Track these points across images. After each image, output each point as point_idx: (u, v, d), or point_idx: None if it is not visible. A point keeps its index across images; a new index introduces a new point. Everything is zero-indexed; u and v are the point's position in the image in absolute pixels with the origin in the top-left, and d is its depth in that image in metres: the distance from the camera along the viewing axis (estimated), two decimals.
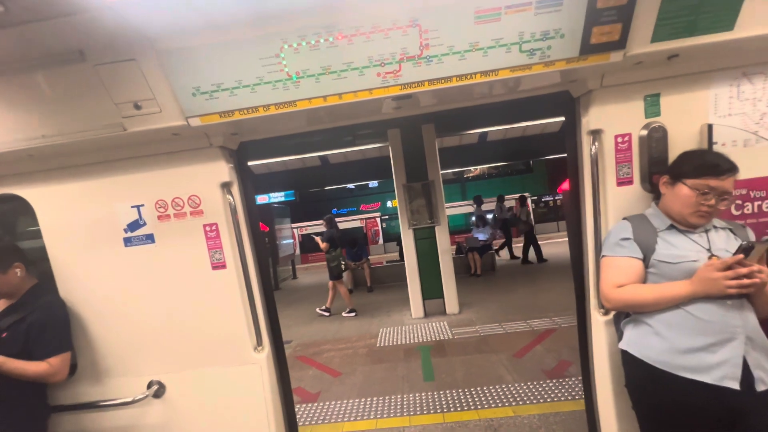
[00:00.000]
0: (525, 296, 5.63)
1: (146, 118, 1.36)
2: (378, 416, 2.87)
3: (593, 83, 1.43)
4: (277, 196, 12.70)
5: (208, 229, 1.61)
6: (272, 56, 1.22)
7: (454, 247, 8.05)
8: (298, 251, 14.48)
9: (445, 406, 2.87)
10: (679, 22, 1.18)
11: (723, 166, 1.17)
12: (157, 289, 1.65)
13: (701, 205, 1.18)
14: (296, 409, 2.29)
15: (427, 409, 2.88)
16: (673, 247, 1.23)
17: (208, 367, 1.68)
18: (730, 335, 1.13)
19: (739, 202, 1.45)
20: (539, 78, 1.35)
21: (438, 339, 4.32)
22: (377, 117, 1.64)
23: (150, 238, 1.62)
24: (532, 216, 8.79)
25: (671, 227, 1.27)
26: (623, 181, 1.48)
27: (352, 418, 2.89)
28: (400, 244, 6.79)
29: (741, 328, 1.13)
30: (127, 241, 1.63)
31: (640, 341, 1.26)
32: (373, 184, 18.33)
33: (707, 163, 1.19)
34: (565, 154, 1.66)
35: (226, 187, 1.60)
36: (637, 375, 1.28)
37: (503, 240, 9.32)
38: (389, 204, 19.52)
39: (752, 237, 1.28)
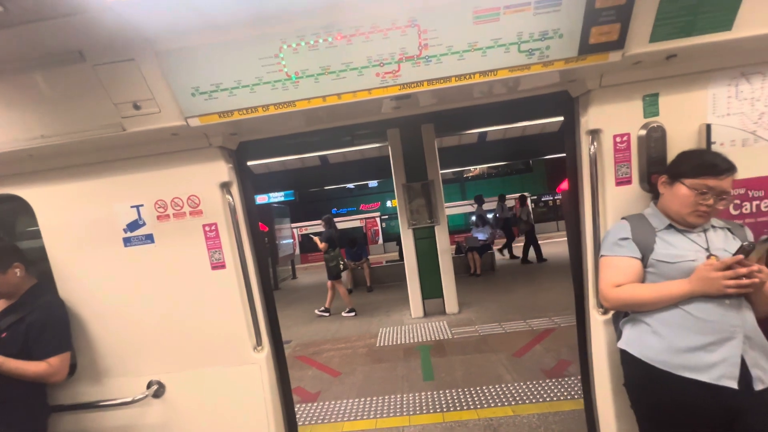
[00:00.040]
0: (524, 296, 5.63)
1: (145, 119, 1.36)
2: (377, 416, 2.87)
3: (592, 83, 1.43)
4: (277, 196, 12.72)
5: (207, 229, 1.61)
6: (271, 56, 1.23)
7: (454, 246, 8.05)
8: (297, 251, 14.50)
9: (444, 406, 2.88)
10: (677, 22, 1.19)
11: (721, 166, 1.17)
12: (157, 289, 1.65)
13: (699, 204, 1.19)
14: (296, 409, 2.29)
15: (427, 408, 2.88)
16: (672, 246, 1.24)
17: (207, 367, 1.68)
18: (729, 334, 1.13)
19: (737, 201, 1.45)
20: (538, 78, 1.35)
21: (437, 339, 4.32)
22: (376, 117, 1.64)
23: (149, 238, 1.63)
24: (532, 215, 8.76)
25: (670, 227, 1.28)
26: (622, 181, 1.48)
27: (351, 418, 2.89)
28: (399, 243, 6.80)
29: (739, 328, 1.13)
30: (127, 241, 1.63)
31: (638, 340, 1.26)
32: (373, 183, 18.36)
33: (705, 163, 1.19)
34: (565, 154, 1.66)
35: (225, 187, 1.60)
36: (636, 374, 1.28)
37: (506, 240, 9.30)
38: (389, 204, 19.52)
39: (750, 236, 1.28)
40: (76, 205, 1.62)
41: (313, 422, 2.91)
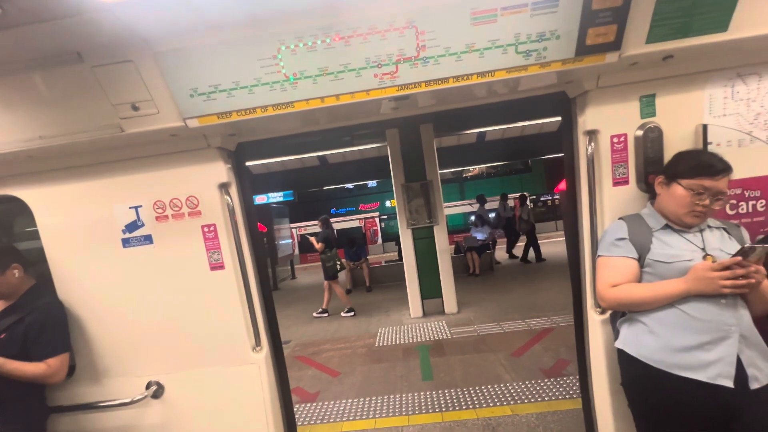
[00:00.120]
0: (523, 295, 5.64)
1: (144, 119, 1.36)
2: (377, 416, 2.87)
3: (589, 84, 1.43)
4: (276, 196, 12.70)
5: (206, 229, 1.62)
6: (269, 57, 1.23)
7: (453, 246, 8.06)
8: (296, 251, 14.49)
9: (443, 406, 2.88)
10: (673, 23, 1.19)
11: (717, 167, 1.18)
12: (156, 290, 1.65)
13: (696, 205, 1.19)
14: (295, 409, 2.29)
15: (426, 408, 2.88)
16: (668, 246, 1.24)
17: (206, 368, 1.68)
18: (725, 334, 1.14)
19: (733, 201, 1.46)
20: (535, 79, 1.36)
21: (436, 338, 4.33)
22: (375, 118, 1.64)
23: (148, 239, 1.63)
24: (531, 215, 8.75)
25: (666, 227, 1.28)
26: (619, 181, 1.49)
27: (350, 418, 2.89)
28: (398, 243, 6.80)
29: (735, 327, 1.14)
30: (125, 242, 1.63)
31: (635, 340, 1.27)
32: (372, 184, 18.33)
33: (702, 164, 1.20)
34: (563, 154, 1.67)
35: (224, 187, 1.60)
36: (633, 373, 1.29)
37: (508, 239, 9.26)
38: (388, 204, 19.52)
39: (746, 236, 1.29)
40: (75, 206, 1.62)
41: (312, 422, 2.91)
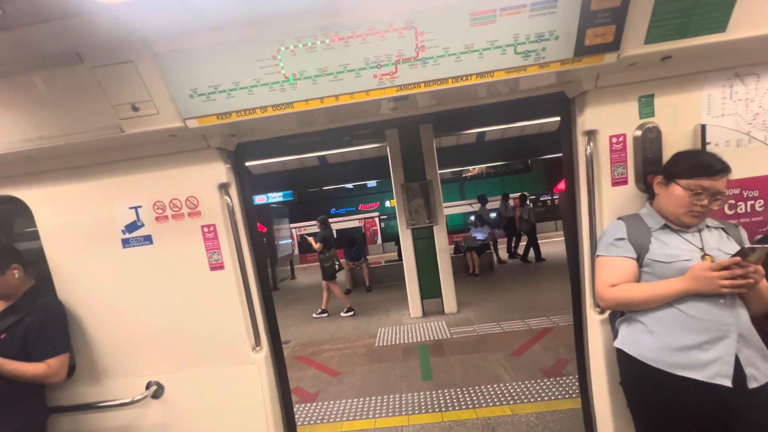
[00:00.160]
0: (523, 295, 5.65)
1: (144, 120, 1.36)
2: (376, 416, 2.88)
3: (588, 84, 1.44)
4: (276, 197, 12.70)
5: (206, 230, 1.62)
6: (269, 58, 1.23)
7: (453, 246, 8.07)
8: (296, 251, 14.49)
9: (443, 405, 2.89)
10: (672, 23, 1.20)
11: (715, 167, 1.18)
12: (156, 290, 1.65)
13: (694, 205, 1.20)
14: (295, 409, 2.30)
15: (426, 408, 2.89)
16: (667, 246, 1.25)
17: (206, 368, 1.68)
18: (723, 333, 1.14)
19: (732, 201, 1.47)
20: (534, 79, 1.36)
21: (436, 338, 4.33)
22: (375, 118, 1.65)
23: (148, 240, 1.63)
24: (532, 215, 8.75)
25: (665, 227, 1.29)
26: (618, 181, 1.49)
27: (350, 418, 2.90)
28: (398, 243, 6.80)
29: (733, 326, 1.14)
30: (125, 243, 1.63)
31: (634, 339, 1.27)
32: (372, 184, 18.34)
33: (700, 164, 1.20)
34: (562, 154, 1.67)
35: (223, 188, 1.61)
36: (632, 373, 1.29)
37: (511, 239, 9.26)
38: (387, 204, 19.52)
39: (744, 236, 1.30)
40: (75, 206, 1.62)
41: (312, 422, 2.92)
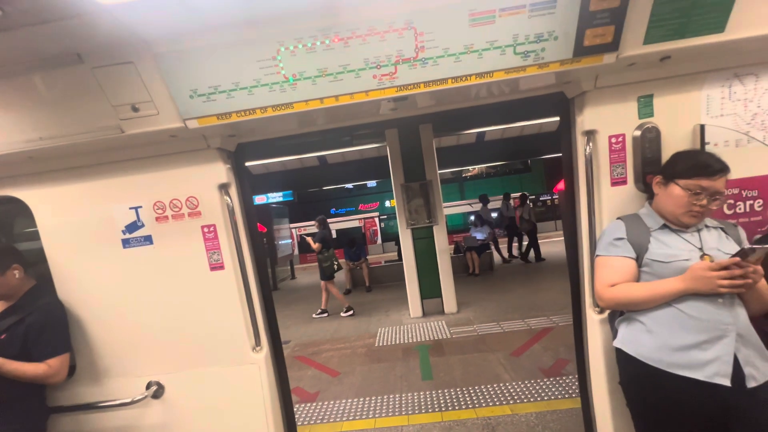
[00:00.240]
0: (523, 295, 5.65)
1: (144, 121, 1.36)
2: (376, 415, 2.88)
3: (587, 84, 1.44)
4: (276, 197, 12.71)
5: (206, 230, 1.62)
6: (269, 59, 1.23)
7: (452, 246, 8.07)
8: (296, 252, 14.49)
9: (443, 405, 2.89)
10: (670, 24, 1.20)
11: (714, 167, 1.18)
12: (156, 291, 1.65)
13: (693, 205, 1.20)
14: (295, 409, 2.30)
15: (426, 408, 2.89)
16: (666, 246, 1.25)
17: (206, 368, 1.69)
18: (722, 332, 1.14)
19: (731, 201, 1.47)
20: (534, 79, 1.37)
21: (436, 338, 4.33)
22: (374, 118, 1.65)
23: (148, 240, 1.63)
24: (532, 214, 8.76)
25: (664, 227, 1.29)
26: (617, 181, 1.50)
27: (350, 418, 2.90)
28: (398, 243, 6.80)
29: (732, 326, 1.14)
30: (126, 243, 1.63)
31: (633, 339, 1.28)
32: (372, 184, 18.35)
33: (699, 164, 1.20)
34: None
35: (223, 188, 1.61)
36: (631, 372, 1.29)
37: (512, 239, 9.26)
38: (387, 204, 19.53)
39: (743, 236, 1.30)
40: (75, 206, 1.62)
41: (312, 422, 2.92)
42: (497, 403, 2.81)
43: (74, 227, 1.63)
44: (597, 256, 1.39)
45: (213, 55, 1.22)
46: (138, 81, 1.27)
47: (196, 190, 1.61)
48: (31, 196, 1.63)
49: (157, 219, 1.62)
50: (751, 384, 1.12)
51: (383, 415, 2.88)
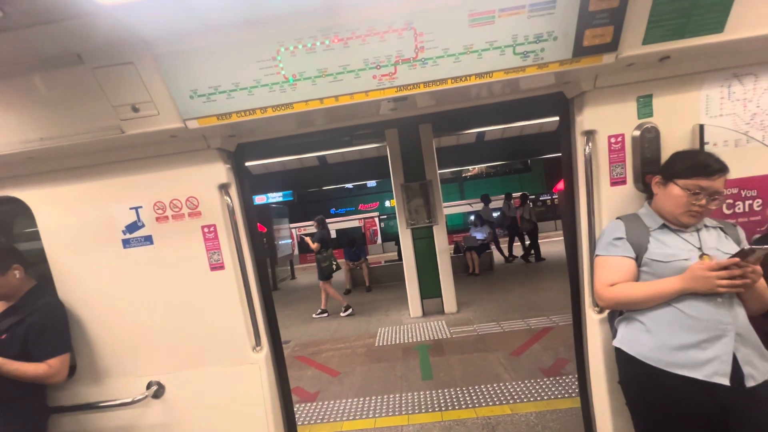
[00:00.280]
0: (523, 295, 5.65)
1: (144, 121, 1.36)
2: (376, 415, 2.88)
3: (586, 84, 1.44)
4: (276, 197, 12.71)
5: (206, 230, 1.62)
6: (269, 59, 1.24)
7: (452, 246, 8.07)
8: (296, 252, 14.49)
9: (443, 405, 2.89)
10: (670, 24, 1.20)
11: (713, 167, 1.19)
12: (156, 291, 1.66)
13: (692, 204, 1.20)
14: (295, 409, 2.30)
15: (426, 407, 2.89)
16: (665, 246, 1.25)
17: (207, 368, 1.69)
18: (721, 332, 1.15)
19: (730, 201, 1.47)
20: (533, 80, 1.37)
21: (436, 338, 4.34)
22: (374, 118, 1.65)
23: (148, 240, 1.63)
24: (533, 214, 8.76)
25: (663, 226, 1.29)
26: (617, 181, 1.50)
27: (350, 418, 2.90)
28: (398, 243, 6.80)
29: (731, 325, 1.15)
30: (126, 243, 1.64)
31: (632, 338, 1.28)
32: (372, 183, 18.34)
33: (698, 164, 1.21)
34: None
35: (223, 188, 1.61)
36: (630, 372, 1.30)
37: (513, 239, 9.24)
38: (387, 204, 19.53)
39: (743, 236, 1.30)
40: (75, 206, 1.63)
41: (312, 422, 2.92)
42: (497, 403, 2.81)
43: (75, 227, 1.63)
44: (596, 255, 1.39)
45: (213, 56, 1.23)
46: (138, 81, 1.27)
47: (196, 191, 1.61)
48: (31, 196, 1.64)
49: (157, 219, 1.62)
50: (750, 383, 1.12)
51: (383, 414, 2.88)
